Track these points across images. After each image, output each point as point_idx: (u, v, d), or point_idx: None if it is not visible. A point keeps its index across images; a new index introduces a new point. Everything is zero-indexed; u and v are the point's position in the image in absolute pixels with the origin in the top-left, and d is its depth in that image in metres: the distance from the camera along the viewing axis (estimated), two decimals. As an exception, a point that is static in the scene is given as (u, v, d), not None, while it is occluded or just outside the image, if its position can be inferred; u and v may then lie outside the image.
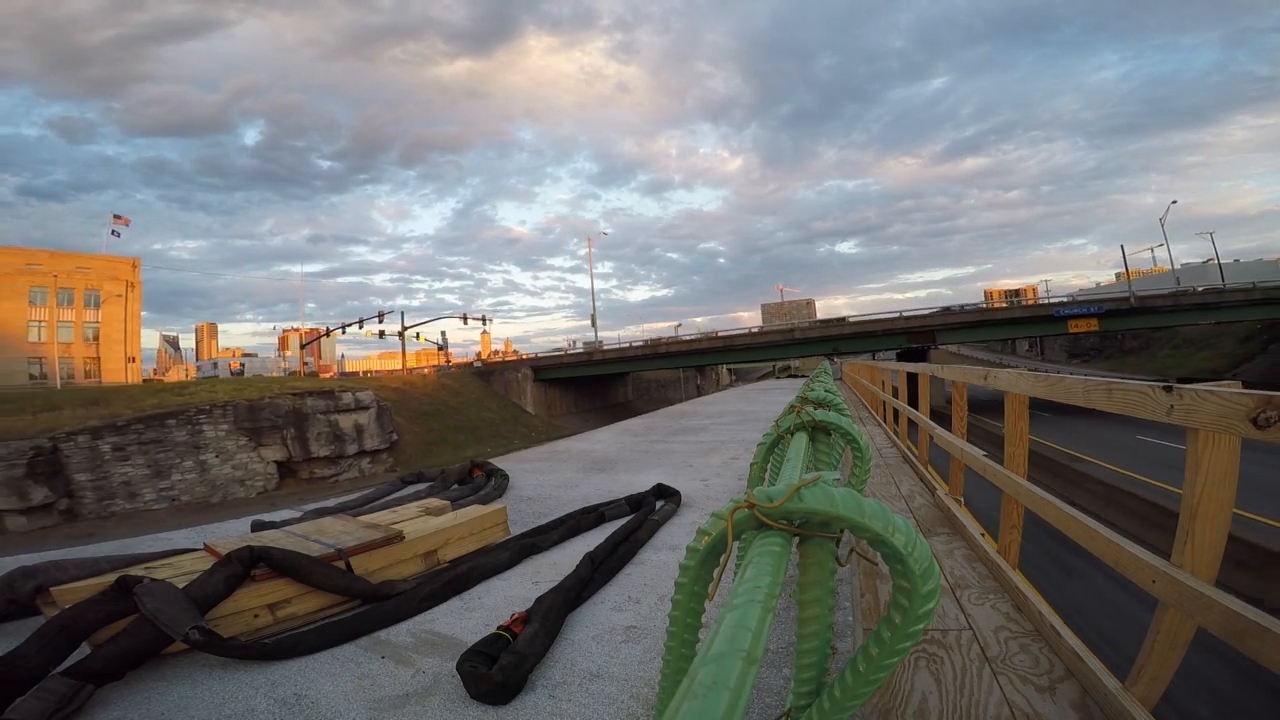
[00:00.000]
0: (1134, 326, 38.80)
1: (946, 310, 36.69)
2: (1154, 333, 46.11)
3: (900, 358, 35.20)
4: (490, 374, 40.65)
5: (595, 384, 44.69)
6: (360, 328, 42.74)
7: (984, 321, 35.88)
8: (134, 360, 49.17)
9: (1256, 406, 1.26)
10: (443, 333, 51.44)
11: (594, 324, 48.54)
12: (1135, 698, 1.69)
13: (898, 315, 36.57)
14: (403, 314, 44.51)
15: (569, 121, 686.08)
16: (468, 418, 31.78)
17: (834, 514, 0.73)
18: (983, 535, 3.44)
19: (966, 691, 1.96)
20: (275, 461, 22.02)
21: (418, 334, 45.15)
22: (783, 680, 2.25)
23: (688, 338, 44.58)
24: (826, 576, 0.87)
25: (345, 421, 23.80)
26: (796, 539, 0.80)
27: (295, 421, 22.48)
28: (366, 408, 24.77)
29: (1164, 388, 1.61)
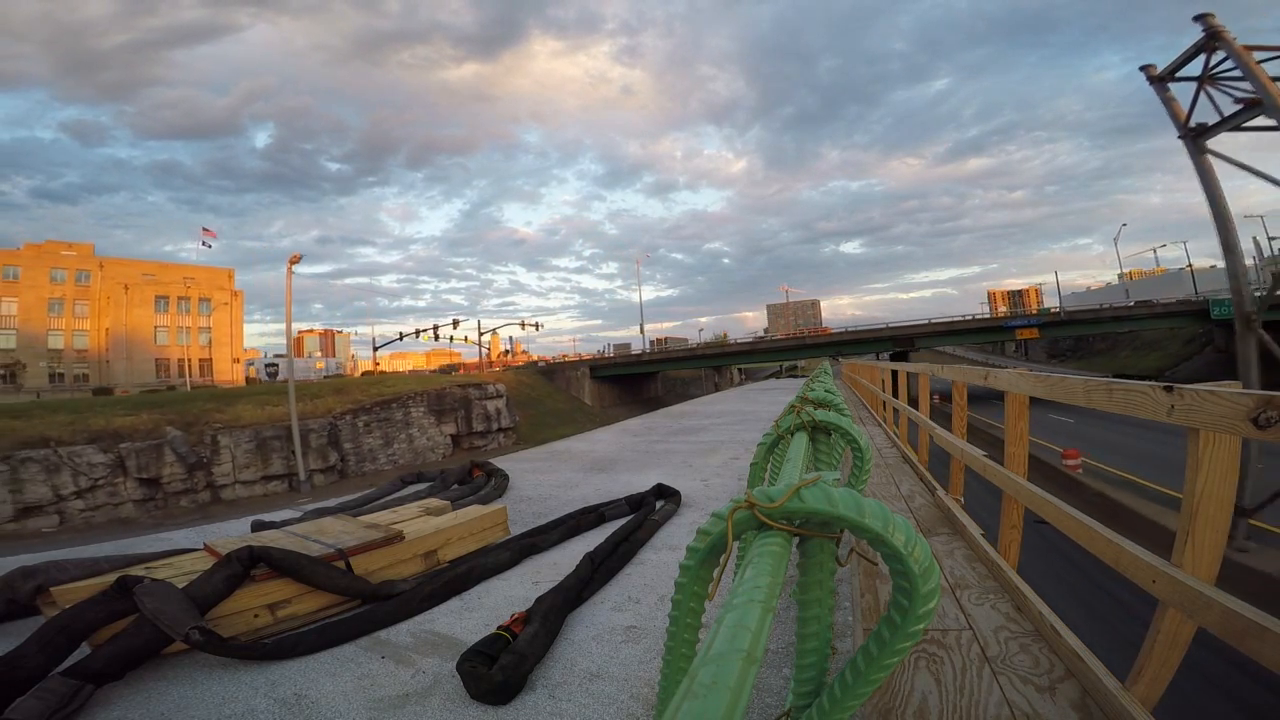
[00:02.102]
0: (1066, 334, 48.22)
1: (923, 322, 47.51)
2: (1120, 335, 52.20)
3: (891, 359, 40.30)
4: (553, 372, 48.01)
5: (634, 380, 52.74)
6: (435, 332, 48.02)
7: (951, 331, 45.84)
8: (238, 361, 55.71)
9: (1257, 406, 1.26)
10: (511, 338, 63.76)
11: (642, 331, 61.00)
12: (1135, 698, 1.69)
13: (885, 326, 47.94)
14: (479, 321, 50.26)
15: (574, 124, 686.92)
16: (548, 407, 39.14)
17: (834, 514, 0.73)
18: (982, 535, 3.44)
19: (966, 691, 1.96)
20: (450, 435, 29.64)
21: (451, 336, 50.09)
22: (783, 680, 2.25)
23: (713, 341, 54.16)
24: (826, 576, 0.87)
25: (490, 406, 32.39)
26: (796, 539, 0.80)
27: (464, 405, 30.71)
28: (501, 396, 33.49)
29: (1164, 388, 1.61)
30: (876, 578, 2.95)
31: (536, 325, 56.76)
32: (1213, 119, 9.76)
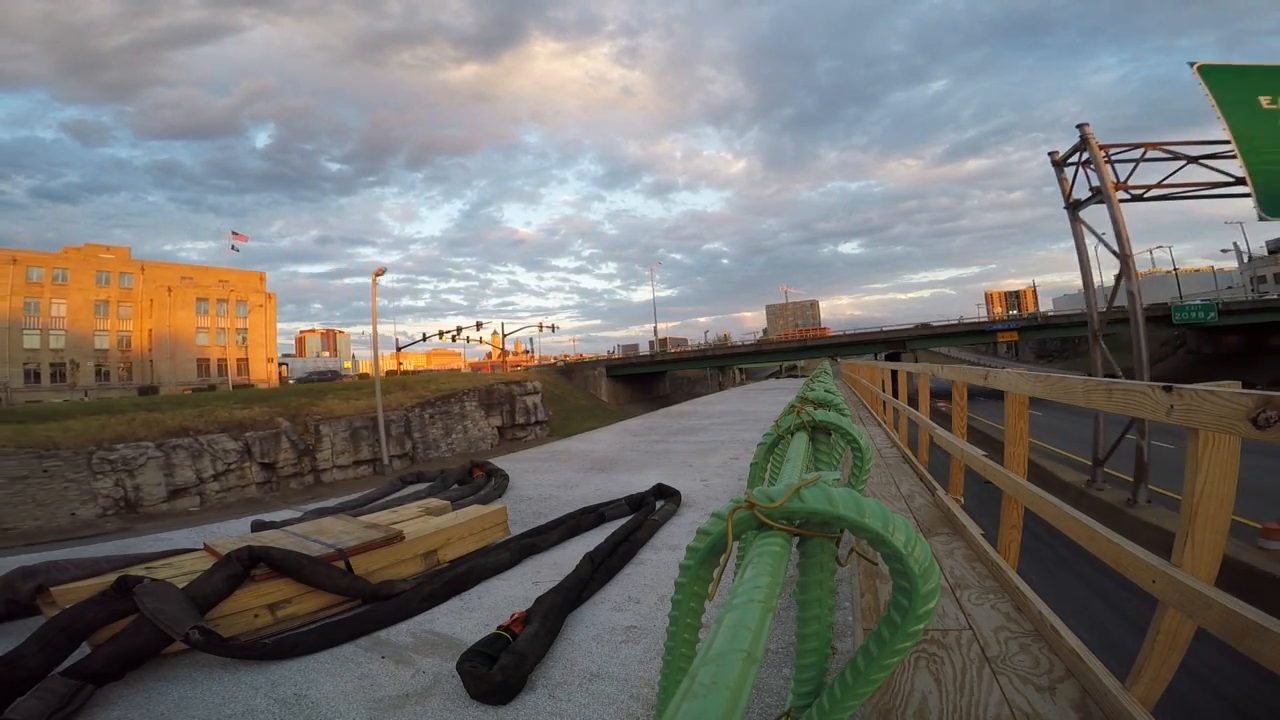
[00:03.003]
0: (1044, 336, 52.54)
1: (914, 325, 52.51)
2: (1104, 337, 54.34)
3: (885, 359, 40.62)
4: (570, 372, 51.30)
5: (645, 380, 55.95)
6: (457, 335, 48.93)
7: (939, 334, 50.15)
8: (271, 361, 58.04)
9: (1256, 406, 1.26)
10: (530, 339, 65.59)
11: (655, 333, 65.04)
12: (1135, 698, 1.69)
13: (879, 330, 52.91)
14: (502, 324, 52.82)
15: (574, 125, 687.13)
16: (571, 404, 42.10)
17: (834, 514, 0.73)
18: (982, 535, 3.44)
19: (966, 691, 1.96)
20: (496, 427, 32.58)
21: (468, 338, 51.28)
22: (783, 680, 2.25)
23: (717, 342, 57.70)
24: (826, 576, 0.87)
25: (529, 402, 35.54)
26: (796, 539, 0.80)
27: (508, 401, 34.08)
28: (538, 393, 36.84)
29: (1164, 388, 1.61)
30: (876, 578, 2.95)
31: (553, 328, 58.95)
32: (1084, 196, 13.90)
